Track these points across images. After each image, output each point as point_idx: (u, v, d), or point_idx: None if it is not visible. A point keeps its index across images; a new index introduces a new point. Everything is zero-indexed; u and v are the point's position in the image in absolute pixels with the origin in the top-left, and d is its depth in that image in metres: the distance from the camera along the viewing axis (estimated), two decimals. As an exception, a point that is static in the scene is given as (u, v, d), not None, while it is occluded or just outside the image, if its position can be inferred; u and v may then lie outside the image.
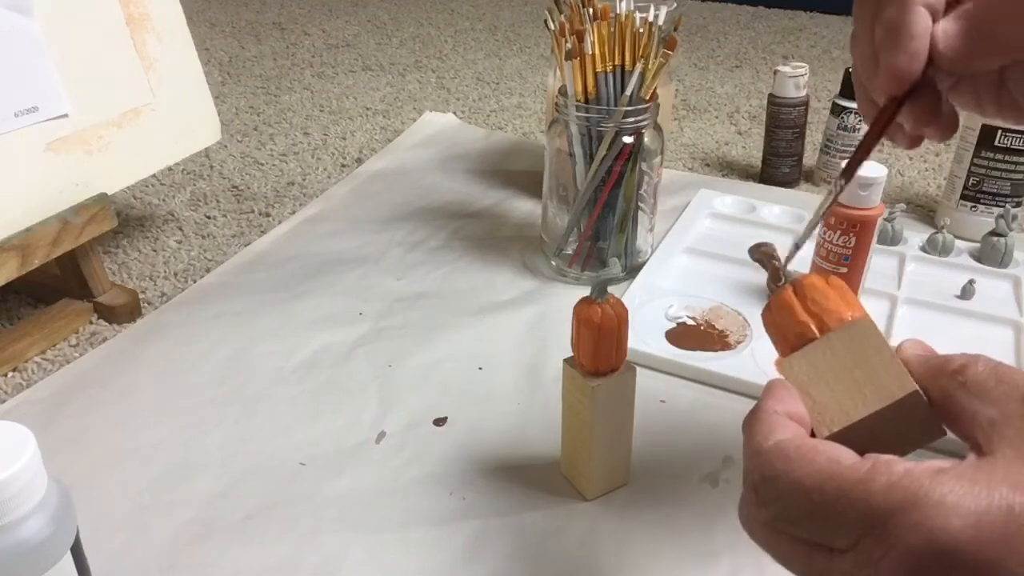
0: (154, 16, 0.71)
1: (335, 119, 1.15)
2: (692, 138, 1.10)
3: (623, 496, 0.52)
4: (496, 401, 0.60)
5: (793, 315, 0.34)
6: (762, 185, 0.96)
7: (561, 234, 0.74)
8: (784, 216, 0.83)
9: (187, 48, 0.75)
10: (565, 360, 0.49)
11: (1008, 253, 0.73)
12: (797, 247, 0.39)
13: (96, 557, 0.39)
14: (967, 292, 0.70)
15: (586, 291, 0.47)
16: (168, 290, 0.75)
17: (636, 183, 0.70)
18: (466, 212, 0.88)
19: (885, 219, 0.76)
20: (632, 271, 0.74)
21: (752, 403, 0.32)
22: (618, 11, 0.67)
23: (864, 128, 0.90)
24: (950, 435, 0.31)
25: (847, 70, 0.91)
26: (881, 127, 0.38)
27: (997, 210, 0.75)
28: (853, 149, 0.91)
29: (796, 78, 0.91)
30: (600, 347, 0.46)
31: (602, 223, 0.72)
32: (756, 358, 0.62)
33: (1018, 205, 0.79)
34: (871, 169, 0.61)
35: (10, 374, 0.64)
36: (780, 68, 0.91)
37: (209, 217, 0.88)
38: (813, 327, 0.33)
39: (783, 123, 0.92)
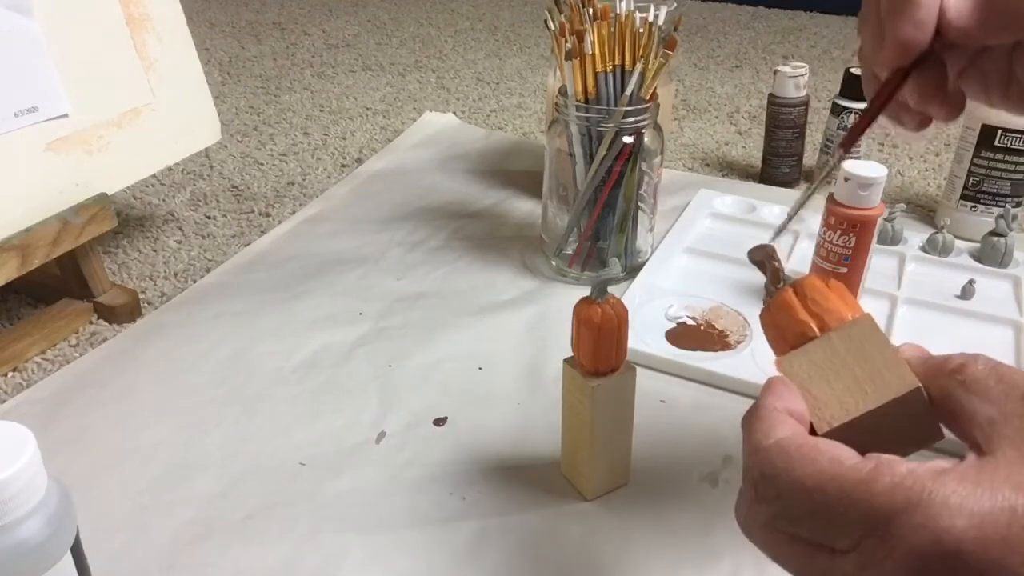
0: (154, 16, 0.71)
1: (335, 119, 1.15)
2: (692, 138, 1.10)
3: (623, 496, 0.52)
4: (496, 401, 0.60)
5: (794, 315, 0.34)
6: (762, 185, 0.96)
7: (561, 234, 0.74)
8: (784, 216, 0.83)
9: (187, 48, 0.75)
10: (565, 360, 0.49)
11: (1008, 253, 0.73)
12: (787, 222, 0.38)
13: (96, 557, 0.39)
14: (967, 292, 0.70)
15: (586, 291, 0.47)
16: (168, 290, 0.75)
17: (636, 183, 0.70)
18: (466, 212, 0.88)
19: (885, 219, 0.76)
20: (632, 271, 0.74)
21: (752, 403, 0.32)
22: (618, 11, 0.67)
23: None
24: (950, 436, 0.31)
25: (847, 70, 0.91)
26: (884, 98, 0.37)
27: (997, 210, 0.75)
28: (853, 149, 0.91)
29: (796, 78, 0.91)
30: (600, 347, 0.46)
31: (602, 223, 0.72)
32: (756, 358, 0.62)
33: (1018, 205, 0.79)
34: (871, 169, 0.61)
35: (10, 374, 0.64)
36: (780, 68, 0.91)
37: (209, 217, 0.88)
38: (814, 326, 0.33)
39: (783, 123, 0.92)
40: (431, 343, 0.66)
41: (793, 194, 0.93)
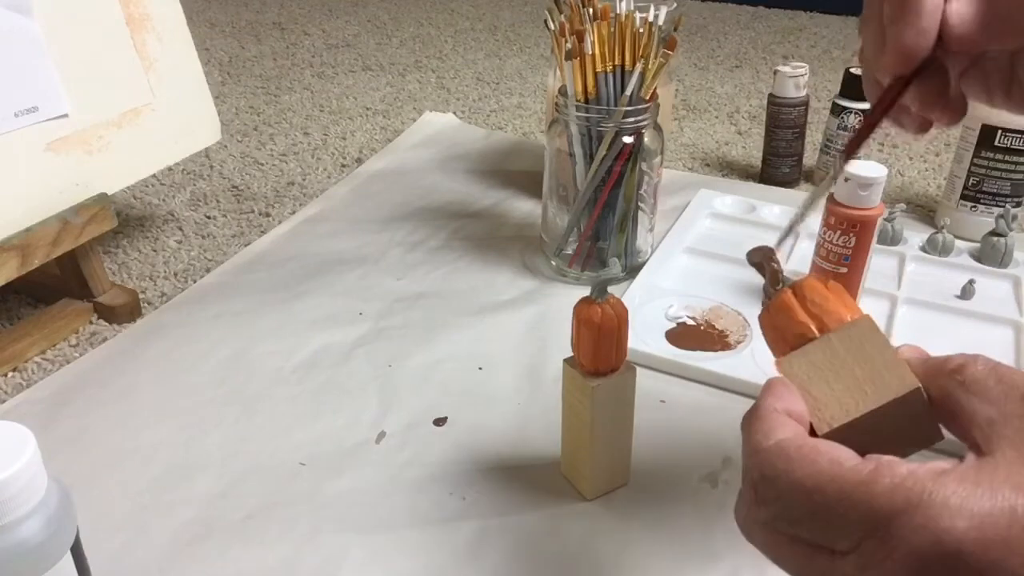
0: (154, 16, 0.71)
1: (335, 119, 1.15)
2: (692, 138, 1.10)
3: (623, 496, 0.52)
4: (496, 401, 0.60)
5: (793, 316, 0.34)
6: (762, 185, 0.96)
7: (561, 234, 0.74)
8: (784, 216, 0.83)
9: (187, 48, 0.75)
10: (565, 360, 0.49)
11: (1008, 253, 0.73)
12: (789, 231, 0.38)
13: (96, 557, 0.39)
14: (967, 292, 0.70)
15: (586, 291, 0.47)
16: (168, 290, 0.75)
17: (636, 183, 0.70)
18: (466, 212, 0.88)
19: (885, 219, 0.76)
20: (632, 271, 0.74)
21: (752, 403, 0.32)
22: (618, 11, 0.67)
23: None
24: (949, 437, 0.31)
25: (847, 70, 0.91)
26: (886, 105, 0.37)
27: (997, 210, 0.75)
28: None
29: (796, 78, 0.91)
30: (600, 347, 0.46)
31: (602, 223, 0.72)
32: (756, 358, 0.62)
33: (1018, 205, 0.79)
34: (871, 169, 0.61)
35: (10, 374, 0.64)
36: (780, 68, 0.91)
37: (209, 217, 0.88)
38: (813, 327, 0.33)
39: (783, 123, 0.92)
40: (431, 343, 0.66)
41: (793, 194, 0.93)
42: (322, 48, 1.48)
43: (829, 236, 0.63)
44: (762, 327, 0.36)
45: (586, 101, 0.67)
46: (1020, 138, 0.76)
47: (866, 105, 0.40)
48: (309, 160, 1.03)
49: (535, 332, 0.68)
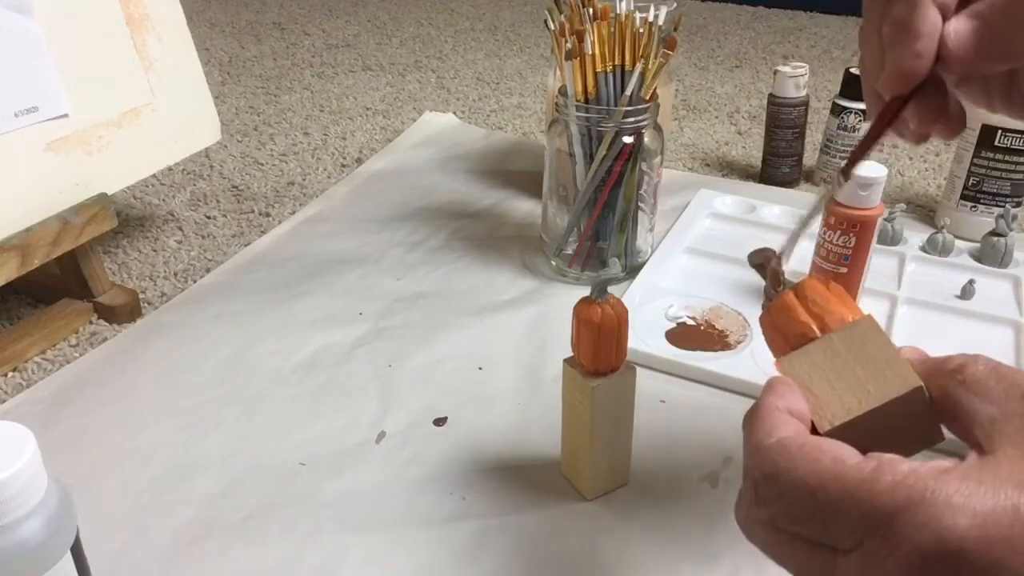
0: (154, 16, 0.71)
1: (335, 119, 1.15)
2: (692, 138, 1.10)
3: (623, 496, 0.52)
4: (496, 401, 0.60)
5: (794, 316, 0.34)
6: (762, 185, 0.96)
7: (561, 234, 0.74)
8: (784, 216, 0.83)
9: (187, 48, 0.75)
10: (565, 360, 0.49)
11: (1008, 253, 0.73)
12: (791, 243, 0.38)
13: (96, 557, 0.39)
14: (967, 292, 0.70)
15: (586, 291, 0.47)
16: (168, 290, 0.75)
17: (636, 183, 0.70)
18: (466, 212, 0.88)
19: (885, 219, 0.76)
20: (632, 271, 0.74)
21: (752, 403, 0.32)
22: (618, 11, 0.67)
23: (864, 128, 0.90)
24: (950, 437, 0.31)
25: (847, 70, 0.91)
26: (884, 124, 0.37)
27: (997, 210, 0.75)
28: (851, 150, 0.91)
29: (796, 78, 0.91)
30: (600, 347, 0.46)
31: (602, 223, 0.72)
32: (756, 358, 0.62)
33: (1018, 205, 0.79)
34: (871, 169, 0.61)
35: (10, 374, 0.64)
36: (780, 68, 0.91)
37: (209, 217, 0.88)
38: (814, 327, 0.33)
39: (783, 123, 0.92)
40: (431, 343, 0.66)
41: (793, 194, 0.93)
42: (322, 48, 1.48)
43: (829, 236, 0.63)
44: (763, 328, 0.36)
45: (586, 101, 0.67)
46: (1020, 138, 0.76)
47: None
48: (309, 160, 1.03)
49: (535, 332, 0.68)
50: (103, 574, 0.41)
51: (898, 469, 0.26)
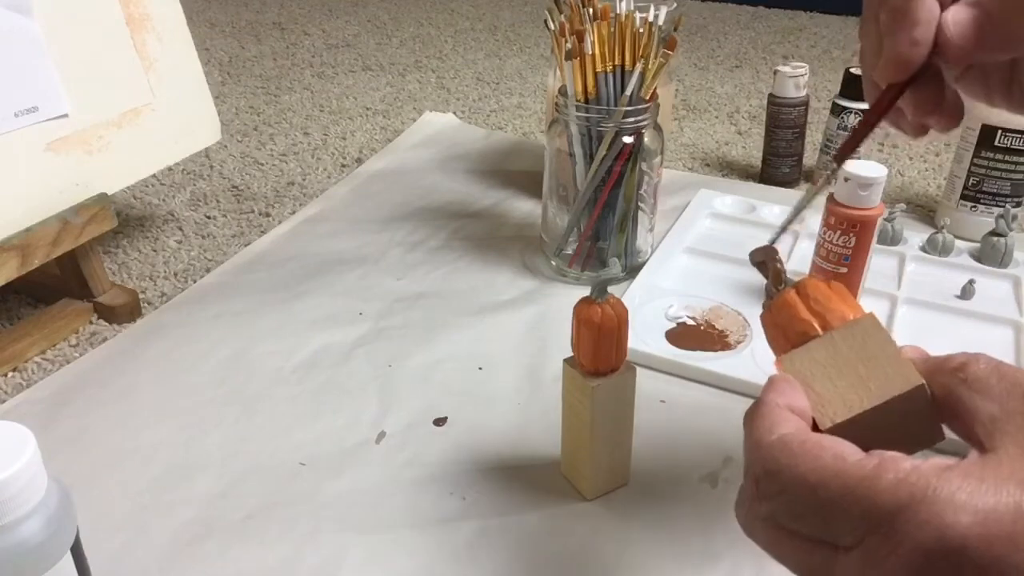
0: (154, 16, 0.71)
1: (335, 119, 1.15)
2: (692, 138, 1.10)
3: (623, 496, 0.52)
4: (496, 401, 0.60)
5: (796, 314, 0.34)
6: (762, 185, 0.96)
7: (561, 234, 0.74)
8: (784, 216, 0.83)
9: (187, 48, 0.75)
10: (565, 360, 0.49)
11: (1008, 253, 0.73)
12: (784, 229, 0.38)
13: (96, 557, 0.39)
14: (967, 292, 0.70)
15: (586, 291, 0.47)
16: (168, 290, 0.75)
17: (636, 183, 0.70)
18: (466, 212, 0.88)
19: (885, 219, 0.76)
20: (632, 271, 0.74)
21: (752, 403, 0.32)
22: (618, 11, 0.67)
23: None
24: (951, 436, 0.31)
25: (847, 70, 0.91)
26: (879, 111, 0.37)
27: (997, 210, 0.75)
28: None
29: (796, 78, 0.91)
30: (600, 347, 0.46)
31: (602, 223, 0.71)
32: (756, 358, 0.62)
33: (1018, 205, 0.79)
34: (871, 169, 0.61)
35: (10, 374, 0.64)
36: (780, 68, 0.91)
37: (209, 217, 0.88)
38: (816, 325, 0.33)
39: (783, 123, 0.92)
40: (431, 343, 0.66)
41: (793, 194, 0.93)
42: (322, 48, 1.48)
43: (829, 236, 0.63)
44: (764, 326, 0.36)
45: (586, 101, 0.67)
46: (1020, 138, 0.76)
47: (866, 105, 0.40)
48: (309, 160, 1.03)
49: (535, 332, 0.68)
50: (103, 574, 0.41)
51: (900, 466, 0.26)
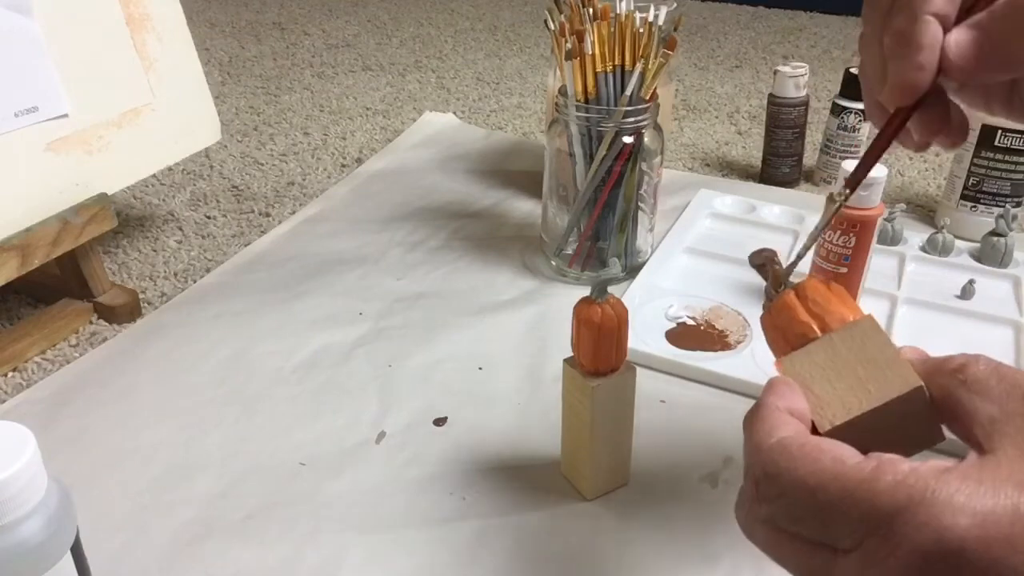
0: (154, 16, 0.71)
1: (335, 119, 1.15)
2: (692, 138, 1.10)
3: (623, 496, 0.52)
4: (496, 401, 0.60)
5: (795, 316, 0.34)
6: (762, 185, 0.96)
7: (561, 234, 0.74)
8: (784, 216, 0.83)
9: (187, 48, 0.75)
10: (565, 360, 0.49)
11: (1008, 253, 0.73)
12: (800, 257, 0.38)
13: (96, 557, 0.39)
14: (967, 292, 0.70)
15: (586, 291, 0.47)
16: (168, 290, 0.75)
17: (636, 183, 0.70)
18: (466, 212, 0.88)
19: (885, 219, 0.76)
20: (632, 271, 0.74)
21: (752, 403, 0.32)
22: (618, 11, 0.67)
23: (864, 128, 0.90)
24: (950, 438, 0.31)
25: (847, 70, 0.91)
26: (889, 137, 0.37)
27: (997, 210, 0.75)
28: (853, 149, 0.91)
29: (796, 78, 0.91)
30: (600, 347, 0.46)
31: (602, 223, 0.72)
32: (756, 358, 0.62)
33: (1018, 205, 0.79)
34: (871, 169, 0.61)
35: (10, 374, 0.64)
36: (780, 68, 0.91)
37: (209, 217, 0.88)
38: (815, 327, 0.33)
39: (783, 123, 0.92)
40: (431, 343, 0.66)
41: (793, 194, 0.93)
42: (322, 48, 1.48)
43: (829, 236, 0.63)
44: (764, 328, 0.36)
45: (586, 101, 0.67)
46: (1020, 138, 0.76)
47: (871, 142, 0.40)
48: (309, 160, 1.03)
49: (535, 332, 0.68)
50: (103, 574, 0.41)
51: (898, 469, 0.26)
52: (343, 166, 1.01)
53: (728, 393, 0.60)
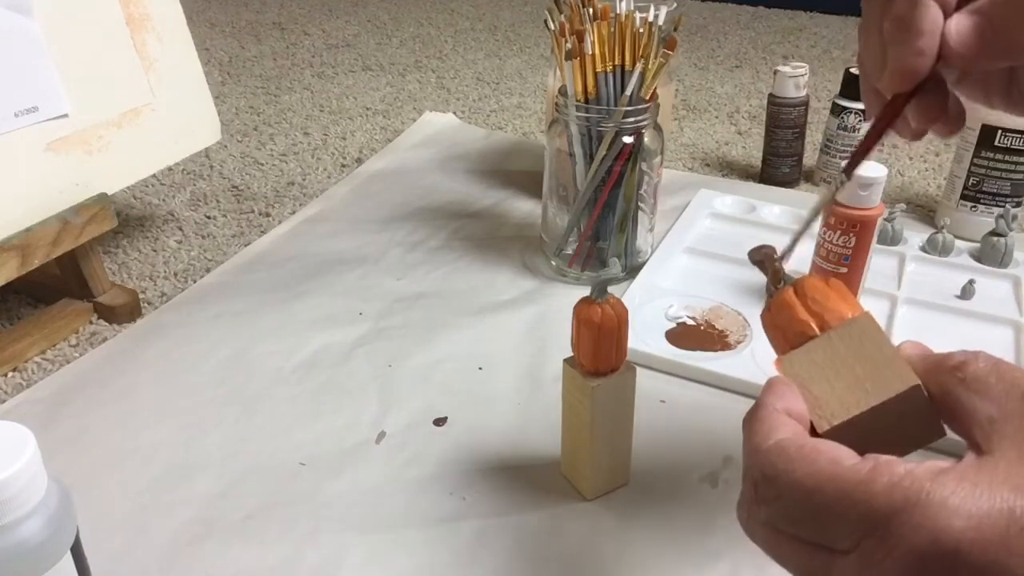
0: (154, 16, 0.71)
1: (335, 119, 1.15)
2: (692, 138, 1.10)
3: (623, 496, 0.52)
4: (496, 401, 0.60)
5: (794, 314, 0.34)
6: (762, 185, 0.96)
7: (561, 234, 0.74)
8: (784, 216, 0.83)
9: (187, 48, 0.75)
10: (565, 360, 0.49)
11: (1008, 253, 0.73)
12: (794, 242, 0.38)
13: (96, 557, 0.39)
14: (967, 292, 0.70)
15: (586, 291, 0.47)
16: (168, 290, 0.75)
17: (636, 183, 0.70)
18: (466, 212, 0.88)
19: (885, 219, 0.76)
20: (632, 271, 0.74)
21: (752, 403, 0.32)
22: (618, 11, 0.67)
23: (864, 128, 0.90)
24: (949, 435, 0.31)
25: (847, 70, 0.91)
26: (886, 123, 0.37)
27: (997, 210, 0.75)
28: (853, 149, 0.91)
29: (796, 78, 0.91)
30: (600, 347, 0.46)
31: (602, 223, 0.72)
32: (756, 358, 0.62)
33: (1018, 205, 0.79)
34: (871, 169, 0.61)
35: (10, 374, 0.64)
36: (780, 68, 0.91)
37: (209, 217, 0.88)
38: (814, 325, 0.33)
39: (783, 123, 0.92)
40: (431, 343, 0.66)
41: (793, 194, 0.93)
42: (322, 48, 1.48)
43: (829, 236, 0.63)
44: (764, 326, 0.36)
45: (586, 101, 0.67)
46: (1020, 138, 0.76)
47: (868, 128, 0.40)
48: (309, 160, 1.03)
49: (535, 332, 0.68)
50: (103, 574, 0.41)
51: (895, 470, 0.26)
52: (343, 166, 1.01)
53: (728, 393, 0.60)
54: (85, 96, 0.65)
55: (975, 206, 0.81)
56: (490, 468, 0.54)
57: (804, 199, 0.90)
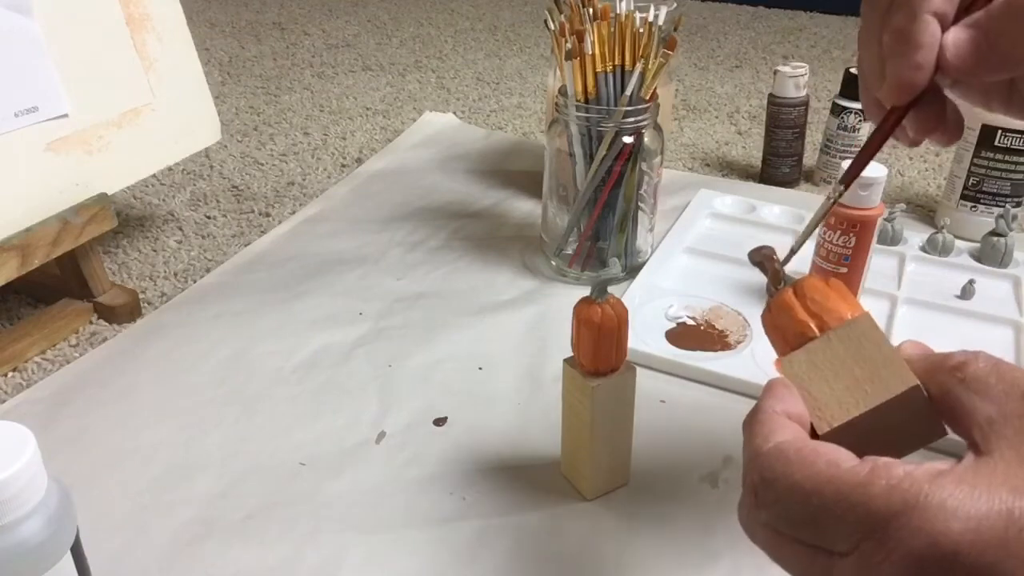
0: (154, 16, 0.71)
1: (335, 119, 1.15)
2: (692, 138, 1.10)
3: (623, 496, 0.52)
4: (496, 401, 0.60)
5: (793, 315, 0.34)
6: (762, 185, 0.96)
7: (561, 234, 0.74)
8: (784, 216, 0.83)
9: (187, 48, 0.75)
10: (565, 360, 0.49)
11: (1008, 253, 0.73)
12: (793, 251, 0.38)
13: (96, 557, 0.39)
14: (967, 292, 0.70)
15: (586, 291, 0.47)
16: (168, 290, 0.75)
17: (636, 183, 0.70)
18: (466, 212, 0.88)
19: (885, 219, 0.76)
20: (632, 271, 0.74)
21: (752, 403, 0.32)
22: (618, 11, 0.67)
23: (864, 128, 0.90)
24: (950, 435, 0.31)
25: (847, 70, 0.91)
26: (885, 134, 0.38)
27: (997, 210, 0.75)
28: (853, 149, 0.91)
29: (796, 78, 0.91)
30: (600, 347, 0.46)
31: (602, 223, 0.72)
32: (756, 358, 0.62)
33: (1018, 205, 0.79)
34: (871, 169, 0.61)
35: (10, 374, 0.64)
36: (780, 68, 0.91)
37: (209, 217, 0.88)
38: (813, 326, 0.33)
39: (783, 123, 0.92)
40: (431, 343, 0.66)
41: (793, 194, 0.93)
42: (322, 48, 1.48)
43: (829, 236, 0.63)
44: (765, 327, 0.36)
45: (586, 101, 0.67)
46: (1020, 138, 0.76)
47: (867, 138, 0.40)
48: (309, 160, 1.03)
49: (535, 332, 0.68)
50: (103, 574, 0.41)
51: (893, 473, 0.26)
52: (343, 166, 1.01)
53: (728, 393, 0.60)
54: (85, 96, 0.65)
55: (975, 206, 0.81)
56: (490, 468, 0.54)
57: (804, 199, 0.90)
